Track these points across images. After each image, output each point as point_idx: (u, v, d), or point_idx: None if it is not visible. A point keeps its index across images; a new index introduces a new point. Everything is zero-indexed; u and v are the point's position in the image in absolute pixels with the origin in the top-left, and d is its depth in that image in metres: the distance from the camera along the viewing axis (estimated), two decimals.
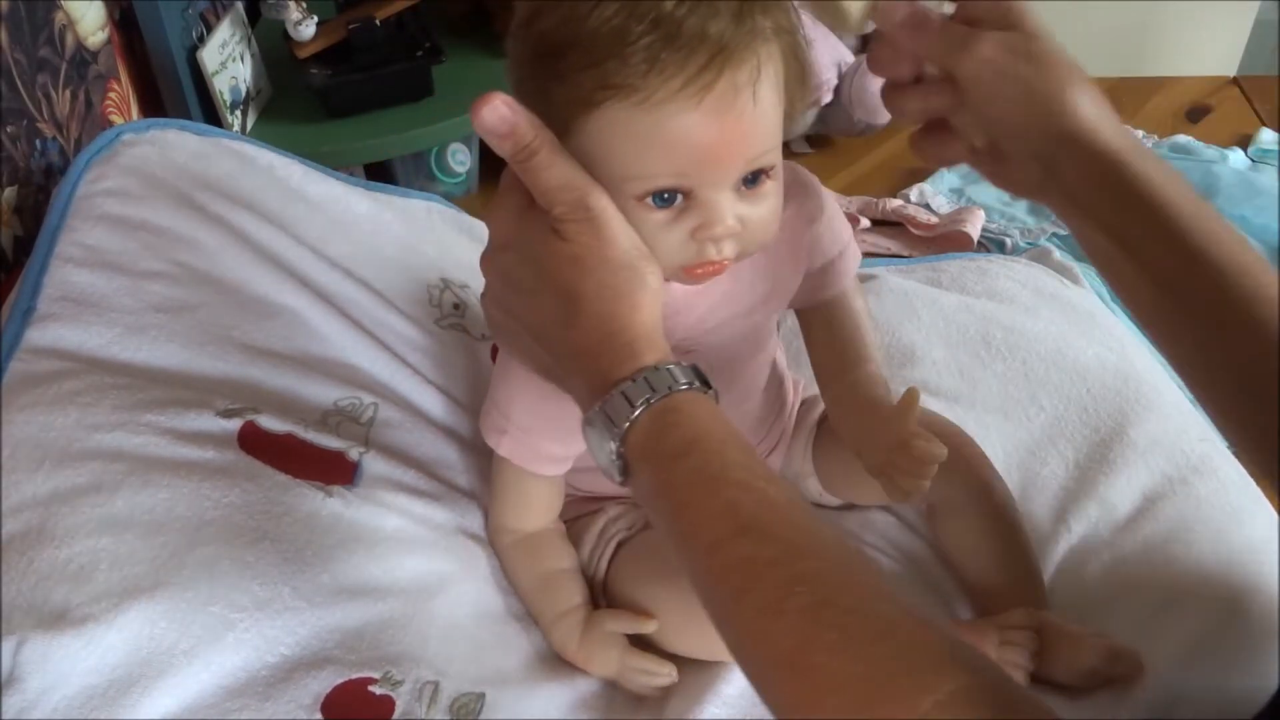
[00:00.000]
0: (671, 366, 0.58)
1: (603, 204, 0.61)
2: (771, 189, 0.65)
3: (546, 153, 0.61)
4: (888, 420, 0.74)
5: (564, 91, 0.61)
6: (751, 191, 0.64)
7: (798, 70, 0.65)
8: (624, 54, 0.58)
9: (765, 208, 0.65)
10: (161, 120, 0.99)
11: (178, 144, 0.95)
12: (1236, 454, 0.95)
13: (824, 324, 0.83)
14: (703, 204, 0.63)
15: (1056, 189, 0.67)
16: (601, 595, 0.84)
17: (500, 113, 0.60)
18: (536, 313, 0.63)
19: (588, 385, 0.60)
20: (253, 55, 1.60)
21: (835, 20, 0.68)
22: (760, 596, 0.51)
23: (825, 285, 0.81)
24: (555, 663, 0.80)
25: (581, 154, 0.62)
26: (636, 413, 0.57)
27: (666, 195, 0.62)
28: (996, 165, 0.71)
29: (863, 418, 0.78)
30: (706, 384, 0.60)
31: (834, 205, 0.79)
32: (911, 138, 0.73)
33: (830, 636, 0.49)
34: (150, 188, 0.90)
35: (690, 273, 0.66)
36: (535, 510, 0.83)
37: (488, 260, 0.67)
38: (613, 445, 0.58)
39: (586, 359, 0.60)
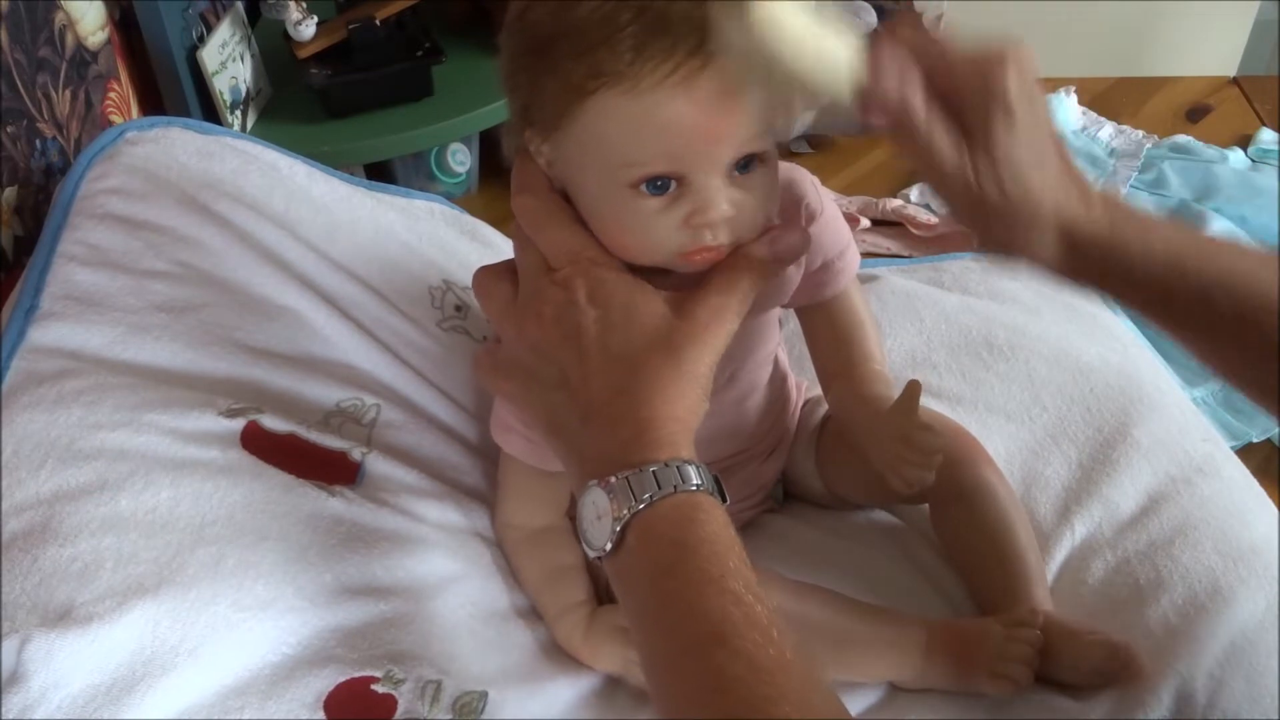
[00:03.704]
0: (702, 468, 0.60)
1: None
2: (764, 175, 0.66)
3: None
4: (891, 412, 0.74)
5: (555, 82, 0.62)
6: (744, 177, 0.64)
7: None
8: (612, 42, 0.59)
9: (759, 194, 0.65)
10: (165, 118, 0.98)
11: (181, 142, 0.94)
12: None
13: (825, 323, 0.83)
14: (695, 190, 0.63)
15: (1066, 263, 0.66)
16: (607, 590, 0.84)
17: None
18: (580, 362, 0.63)
19: (616, 448, 0.60)
20: (253, 55, 1.60)
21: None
22: (717, 711, 0.52)
23: (826, 285, 0.81)
24: (558, 660, 0.80)
25: (575, 144, 0.63)
26: (663, 493, 0.58)
27: (659, 182, 0.63)
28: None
29: (866, 413, 0.78)
30: (723, 497, 0.61)
31: (833, 205, 0.79)
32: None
33: None
34: (154, 186, 0.89)
35: (686, 258, 0.66)
36: (543, 506, 0.83)
37: (539, 284, 0.66)
38: (624, 514, 0.58)
39: (622, 426, 0.61)
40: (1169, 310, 0.66)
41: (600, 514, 0.59)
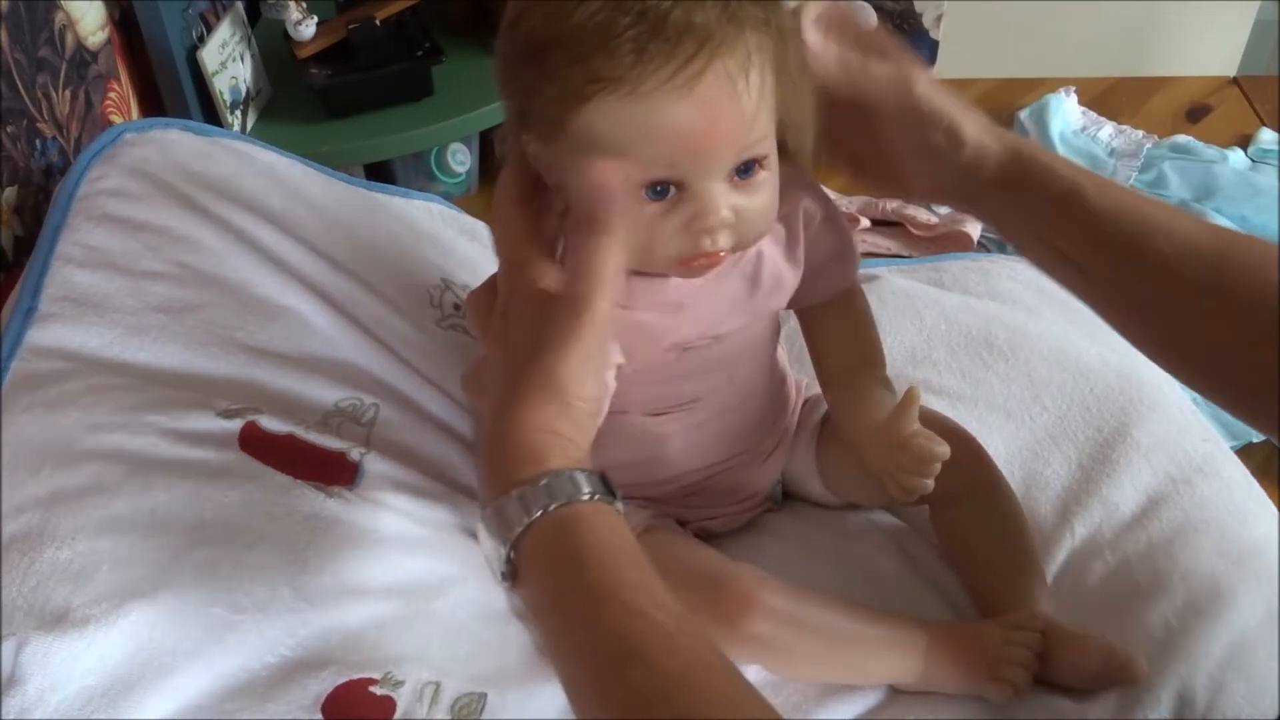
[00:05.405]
0: (577, 473, 0.57)
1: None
2: (765, 180, 0.65)
3: None
4: (889, 419, 0.74)
5: (553, 88, 0.61)
6: (745, 182, 0.64)
7: (793, 61, 0.64)
8: (611, 46, 0.59)
9: (760, 199, 0.65)
10: (163, 120, 0.99)
11: (179, 143, 0.95)
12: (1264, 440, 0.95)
13: (826, 325, 0.83)
14: (696, 195, 0.63)
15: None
16: None
17: None
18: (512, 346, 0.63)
19: (493, 478, 0.58)
20: (253, 55, 1.60)
21: None
22: None
23: (827, 286, 0.81)
24: None
25: (574, 150, 0.63)
26: (533, 518, 0.55)
27: (659, 187, 0.63)
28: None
29: (865, 417, 0.78)
30: (612, 493, 0.58)
31: (834, 205, 0.79)
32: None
33: None
34: (152, 188, 0.89)
35: (686, 265, 0.66)
36: None
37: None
38: (504, 551, 0.56)
39: (496, 451, 0.59)
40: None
41: (488, 553, 0.58)
